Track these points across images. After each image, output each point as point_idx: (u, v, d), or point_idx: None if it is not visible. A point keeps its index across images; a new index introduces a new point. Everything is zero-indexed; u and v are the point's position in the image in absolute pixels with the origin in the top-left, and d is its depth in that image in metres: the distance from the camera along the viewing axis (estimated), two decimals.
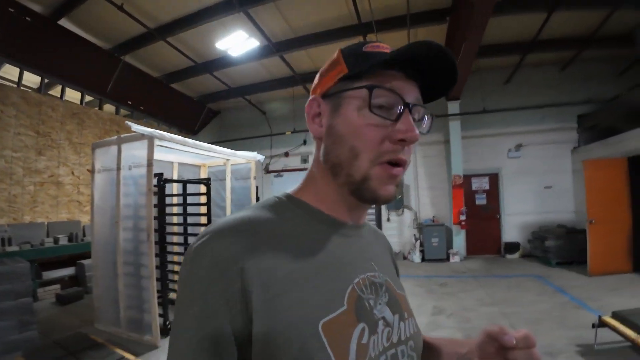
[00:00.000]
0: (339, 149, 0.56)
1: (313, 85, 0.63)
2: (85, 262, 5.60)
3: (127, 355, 2.95)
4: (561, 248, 6.86)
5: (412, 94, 0.55)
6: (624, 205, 6.15)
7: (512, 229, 8.19)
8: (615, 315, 3.09)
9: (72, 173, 6.54)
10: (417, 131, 0.53)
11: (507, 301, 4.87)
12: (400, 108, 0.53)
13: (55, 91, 6.95)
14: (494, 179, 8.42)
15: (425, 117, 0.60)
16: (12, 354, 3.22)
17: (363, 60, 0.54)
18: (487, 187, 8.43)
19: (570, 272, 6.31)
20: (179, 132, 9.86)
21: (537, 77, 8.17)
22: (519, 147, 8.18)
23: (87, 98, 7.41)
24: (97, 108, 7.48)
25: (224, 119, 10.93)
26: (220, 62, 7.51)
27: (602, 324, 3.15)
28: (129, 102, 7.92)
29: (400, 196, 8.51)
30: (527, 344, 0.50)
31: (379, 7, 5.80)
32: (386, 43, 0.57)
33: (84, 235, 6.09)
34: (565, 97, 7.86)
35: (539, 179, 8.08)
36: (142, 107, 8.36)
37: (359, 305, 0.53)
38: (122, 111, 8.35)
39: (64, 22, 5.87)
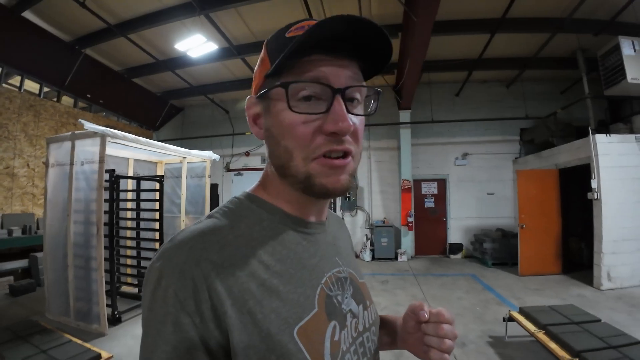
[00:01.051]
0: (277, 150, 0.54)
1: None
2: (39, 254, 5.64)
3: (75, 339, 3.13)
4: (497, 250, 7.49)
5: (344, 75, 0.51)
6: (553, 213, 6.77)
7: (456, 231, 8.78)
8: (522, 311, 3.50)
9: (27, 165, 6.49)
10: (348, 121, 0.50)
11: (437, 297, 5.34)
12: (329, 97, 0.50)
13: (15, 81, 6.87)
14: (442, 184, 8.98)
15: (370, 95, 0.57)
16: None
17: (284, 50, 0.49)
18: (435, 191, 8.99)
19: (503, 272, 6.90)
20: (140, 127, 9.83)
21: (484, 92, 8.81)
22: (465, 155, 8.79)
23: (46, 90, 7.34)
24: (54, 100, 7.41)
25: (187, 116, 10.95)
26: (182, 61, 7.59)
27: (511, 318, 3.53)
28: (88, 96, 7.84)
29: (354, 198, 8.93)
30: (438, 319, 0.59)
31: None
32: None
33: (38, 227, 6.10)
34: (509, 112, 8.53)
35: (483, 185, 8.70)
36: (101, 101, 8.29)
37: (329, 304, 0.55)
38: (80, 104, 8.23)
39: (27, 14, 5.83)
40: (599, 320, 3.00)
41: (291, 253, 0.55)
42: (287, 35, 0.53)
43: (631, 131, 6.40)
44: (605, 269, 5.57)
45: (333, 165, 0.51)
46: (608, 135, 5.88)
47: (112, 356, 3.00)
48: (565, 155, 6.73)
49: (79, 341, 3.06)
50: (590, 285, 5.76)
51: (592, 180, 5.69)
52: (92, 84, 7.68)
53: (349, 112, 0.51)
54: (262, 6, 5.82)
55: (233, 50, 7.08)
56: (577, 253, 6.93)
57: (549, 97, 8.41)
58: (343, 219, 9.14)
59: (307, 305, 0.52)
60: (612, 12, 5.80)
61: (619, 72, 5.86)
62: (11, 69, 6.46)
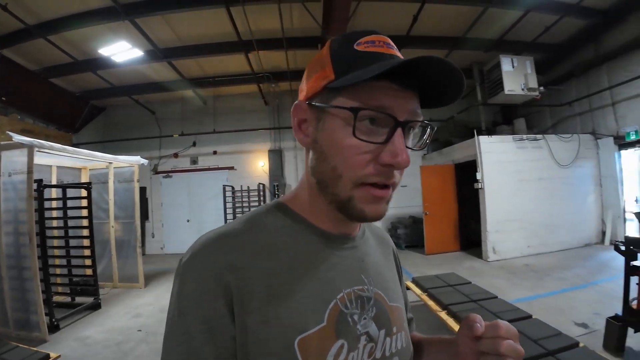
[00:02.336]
0: (323, 166, 0.54)
1: (301, 84, 0.60)
2: None
3: (21, 345, 3.21)
4: (409, 235, 8.65)
5: (406, 108, 0.51)
6: (451, 201, 8.01)
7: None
8: (414, 280, 4.30)
9: None
10: (406, 155, 0.50)
11: None
12: (390, 128, 0.50)
13: None
14: None
15: (425, 129, 0.58)
16: None
17: (353, 64, 0.50)
18: None
19: (414, 253, 8.02)
20: (58, 130, 9.24)
21: None
22: None
23: None
24: None
25: (110, 117, 10.46)
26: (105, 62, 7.33)
27: (407, 287, 4.28)
28: (3, 99, 7.24)
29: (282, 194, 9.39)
30: (495, 333, 0.50)
31: (257, 29, 6.53)
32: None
33: None
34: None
35: None
36: (17, 103, 7.70)
37: (340, 321, 0.53)
38: None
39: None
40: (469, 283, 3.89)
41: (308, 263, 0.55)
42: (356, 47, 0.52)
43: (513, 132, 7.79)
44: (491, 245, 6.82)
45: (376, 197, 0.52)
46: (490, 136, 7.16)
47: (59, 355, 3.19)
48: (459, 152, 7.99)
49: (26, 346, 3.19)
50: (480, 258, 7.00)
51: (477, 173, 6.91)
52: (8, 85, 7.13)
53: (406, 146, 0.51)
54: (189, 14, 5.99)
55: (159, 53, 7.11)
56: (475, 233, 8.28)
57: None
58: None
59: (314, 318, 0.51)
60: (500, 32, 7.06)
61: (499, 84, 7.13)
62: None
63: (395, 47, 0.55)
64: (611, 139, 7.13)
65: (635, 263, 3.06)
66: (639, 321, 2.90)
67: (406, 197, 9.67)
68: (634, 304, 3.01)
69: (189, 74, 8.44)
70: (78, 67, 7.58)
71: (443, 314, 3.18)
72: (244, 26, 6.20)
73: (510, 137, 7.26)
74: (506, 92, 7.00)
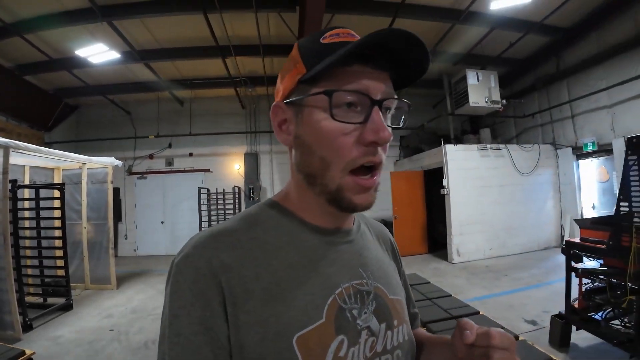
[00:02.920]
0: (310, 159, 0.55)
1: (276, 86, 0.61)
2: None
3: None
4: None
5: (380, 87, 0.52)
6: (419, 205, 8.37)
7: None
8: None
9: None
10: (388, 130, 0.51)
11: None
12: (368, 108, 0.51)
13: None
14: None
15: (402, 108, 0.59)
16: None
17: (321, 56, 0.51)
18: None
19: None
20: (31, 128, 9.02)
21: None
22: None
23: None
24: None
25: (83, 115, 10.31)
26: (80, 61, 7.22)
27: None
28: None
29: (257, 198, 9.58)
30: (487, 343, 0.47)
31: (234, 35, 6.70)
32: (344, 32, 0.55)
33: None
34: (390, 121, 10.02)
35: None
36: None
37: (340, 317, 0.53)
38: None
39: None
40: (428, 282, 4.15)
41: (305, 260, 0.55)
42: (322, 41, 0.54)
43: (479, 141, 8.24)
44: (455, 247, 7.20)
45: (364, 186, 0.54)
46: (455, 145, 7.55)
47: (34, 352, 3.26)
48: (427, 159, 8.38)
49: (2, 343, 3.25)
50: (446, 260, 7.36)
51: (443, 179, 7.27)
52: None
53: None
54: (166, 18, 6.08)
55: (136, 55, 7.14)
56: (442, 236, 8.62)
57: (423, 110, 10.15)
58: None
59: (313, 314, 0.51)
60: (467, 47, 7.48)
61: (465, 96, 7.54)
62: None
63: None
64: (570, 149, 7.63)
65: (579, 265, 3.36)
66: (580, 319, 3.17)
67: (377, 201, 9.72)
68: (576, 304, 3.29)
69: (166, 75, 8.46)
70: (53, 65, 7.49)
71: None
72: (222, 32, 6.32)
73: (474, 146, 7.68)
74: (471, 104, 7.41)
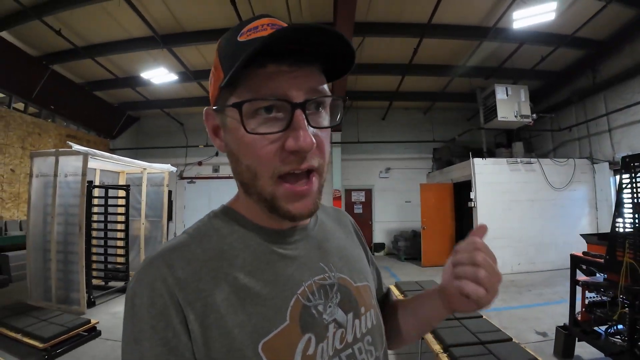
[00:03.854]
0: (238, 167, 0.52)
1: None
2: (10, 254, 6.29)
3: (66, 313, 4.00)
4: (408, 247, 9.23)
5: (303, 87, 0.48)
6: (448, 217, 8.57)
7: (380, 233, 10.52)
8: (396, 284, 4.92)
9: None
10: (310, 138, 0.47)
11: None
12: (289, 112, 0.47)
13: None
14: (369, 193, 10.72)
15: (336, 104, 0.54)
16: None
17: (236, 57, 0.45)
18: (363, 199, 10.70)
19: (411, 265, 8.58)
20: (98, 136, 10.34)
21: (406, 117, 10.73)
22: (388, 170, 10.64)
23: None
24: (21, 111, 7.85)
25: (144, 125, 11.49)
26: (143, 81, 8.15)
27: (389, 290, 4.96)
28: (52, 107, 8.33)
29: None
30: (473, 247, 0.53)
31: None
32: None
33: (6, 230, 6.76)
34: (425, 135, 10.47)
35: (402, 195, 10.47)
36: (63, 112, 8.79)
37: (304, 315, 0.52)
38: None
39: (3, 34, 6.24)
40: None
41: (262, 264, 0.53)
42: (239, 39, 0.49)
43: (511, 155, 8.22)
44: None
45: (296, 193, 0.50)
46: (484, 158, 7.69)
47: (97, 322, 4.01)
48: (456, 172, 8.58)
49: (70, 313, 4.02)
50: None
51: (471, 192, 7.45)
52: (56, 96, 8.15)
53: (311, 126, 0.49)
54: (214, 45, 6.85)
55: (190, 75, 8.03)
56: None
57: (456, 123, 10.36)
58: None
59: (276, 319, 0.49)
60: (498, 62, 7.68)
61: (494, 111, 7.69)
62: None
63: (287, 23, 0.49)
64: (607, 164, 7.43)
65: (584, 278, 3.50)
66: (582, 331, 3.33)
67: (409, 212, 10.29)
68: (579, 316, 3.46)
69: None
70: (119, 83, 8.62)
71: None
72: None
73: (504, 160, 7.75)
74: (499, 118, 7.54)
